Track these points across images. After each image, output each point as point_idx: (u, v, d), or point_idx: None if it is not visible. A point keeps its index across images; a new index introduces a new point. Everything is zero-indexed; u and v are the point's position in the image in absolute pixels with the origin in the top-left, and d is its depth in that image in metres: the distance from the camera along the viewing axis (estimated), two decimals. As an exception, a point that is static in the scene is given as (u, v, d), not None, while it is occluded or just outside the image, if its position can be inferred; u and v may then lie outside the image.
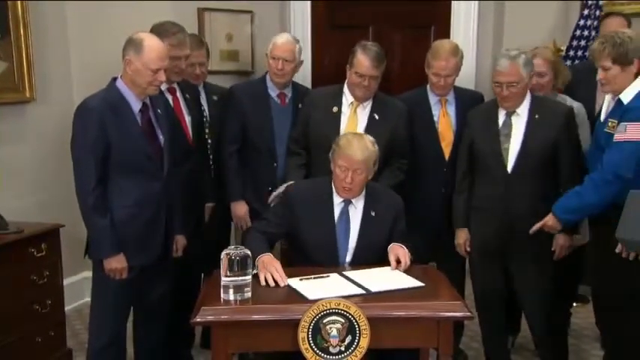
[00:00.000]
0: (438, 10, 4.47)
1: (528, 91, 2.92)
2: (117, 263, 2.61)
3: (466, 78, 3.56)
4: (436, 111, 3.22)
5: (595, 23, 4.03)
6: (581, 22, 4.08)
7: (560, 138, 2.86)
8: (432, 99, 3.23)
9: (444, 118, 3.21)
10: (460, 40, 4.14)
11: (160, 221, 2.71)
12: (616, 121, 2.62)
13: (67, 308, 3.42)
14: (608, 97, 2.78)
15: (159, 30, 2.96)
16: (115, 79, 2.65)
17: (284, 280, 2.40)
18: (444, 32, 4.41)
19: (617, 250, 2.58)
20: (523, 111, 2.90)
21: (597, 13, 4.04)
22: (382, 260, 2.61)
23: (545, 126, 2.86)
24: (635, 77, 2.63)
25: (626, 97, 2.63)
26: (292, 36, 3.45)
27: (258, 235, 2.66)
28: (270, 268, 2.44)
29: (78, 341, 3.56)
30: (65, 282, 3.35)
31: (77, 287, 3.99)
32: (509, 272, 3.00)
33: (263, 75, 3.46)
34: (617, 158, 2.57)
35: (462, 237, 3.07)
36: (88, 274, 3.91)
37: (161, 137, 2.71)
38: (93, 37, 3.90)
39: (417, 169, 3.24)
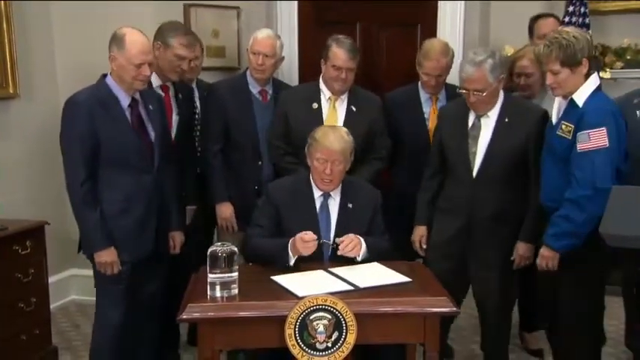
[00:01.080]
0: (424, 9, 4.48)
1: (501, 92, 2.82)
2: (107, 257, 2.61)
3: (453, 76, 3.56)
4: (427, 108, 3.24)
5: (580, 20, 4.05)
6: (566, 19, 4.09)
7: (529, 140, 2.76)
8: (423, 96, 3.24)
9: (435, 115, 3.20)
10: (447, 39, 4.15)
11: (151, 216, 2.71)
12: (572, 125, 2.51)
13: (52, 306, 3.40)
14: (558, 98, 2.64)
15: (169, 27, 2.95)
16: (105, 75, 2.66)
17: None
18: (431, 31, 4.41)
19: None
20: (494, 113, 2.80)
21: (582, 10, 4.06)
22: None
23: (514, 129, 2.77)
24: (586, 78, 2.52)
25: (580, 98, 2.52)
26: (273, 31, 3.42)
27: (264, 238, 2.65)
28: (303, 235, 2.49)
29: (63, 339, 3.54)
30: (51, 280, 3.32)
31: (63, 285, 3.97)
32: (469, 275, 2.93)
33: (243, 71, 3.43)
34: (590, 171, 2.44)
35: (418, 234, 3.05)
36: (74, 271, 3.92)
37: (152, 132, 2.71)
38: (78, 34, 3.87)
39: (406, 166, 3.24)
